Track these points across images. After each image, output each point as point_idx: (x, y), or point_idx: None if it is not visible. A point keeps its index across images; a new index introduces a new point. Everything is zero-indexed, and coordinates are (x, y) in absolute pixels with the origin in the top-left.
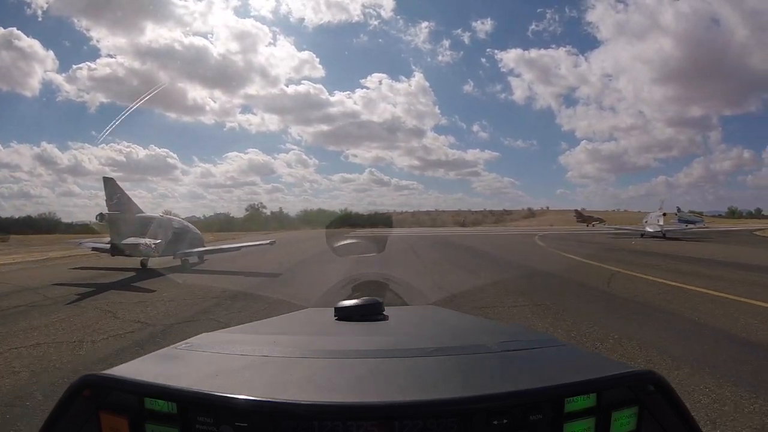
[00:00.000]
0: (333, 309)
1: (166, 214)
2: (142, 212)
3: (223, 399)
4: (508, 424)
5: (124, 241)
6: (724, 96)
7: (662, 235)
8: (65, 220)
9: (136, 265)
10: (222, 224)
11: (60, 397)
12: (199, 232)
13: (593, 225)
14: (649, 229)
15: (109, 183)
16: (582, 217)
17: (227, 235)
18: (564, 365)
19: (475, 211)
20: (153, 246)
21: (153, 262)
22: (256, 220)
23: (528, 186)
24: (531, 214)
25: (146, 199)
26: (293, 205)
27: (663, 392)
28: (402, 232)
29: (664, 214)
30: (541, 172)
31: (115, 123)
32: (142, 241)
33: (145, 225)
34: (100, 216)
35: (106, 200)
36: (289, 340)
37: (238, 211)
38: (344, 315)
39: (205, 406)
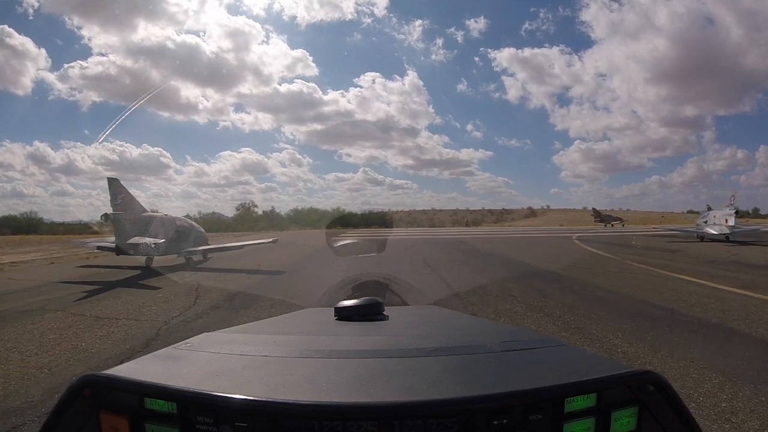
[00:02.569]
0: (333, 309)
1: (152, 212)
2: (146, 211)
3: (223, 399)
4: (508, 424)
5: (129, 241)
6: (718, 96)
7: (725, 238)
8: (58, 219)
9: (141, 263)
10: (208, 224)
11: (60, 397)
12: (202, 230)
13: (612, 225)
14: (711, 231)
15: (113, 183)
16: (600, 216)
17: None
18: (564, 365)
19: (474, 210)
20: (157, 245)
21: (157, 261)
22: (246, 219)
23: (522, 185)
24: (532, 213)
25: (140, 198)
26: (287, 205)
27: (663, 392)
28: (401, 233)
29: (737, 212)
30: (535, 171)
31: (115, 123)
32: (146, 240)
33: (149, 224)
34: (105, 216)
35: (110, 200)
36: (289, 340)
37: (231, 211)
38: (344, 315)
39: (205, 406)
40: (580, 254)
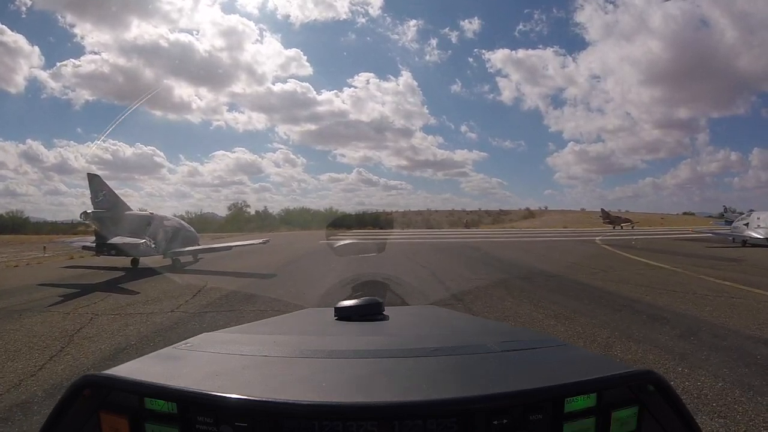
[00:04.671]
0: (333, 309)
1: (141, 210)
2: (131, 210)
3: (223, 399)
4: (508, 424)
5: (111, 240)
6: (711, 98)
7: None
8: (50, 218)
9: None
10: (198, 224)
11: (60, 397)
12: (192, 230)
13: (621, 227)
14: (756, 234)
15: (94, 180)
16: (609, 217)
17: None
18: (564, 365)
19: (470, 211)
20: (140, 245)
21: (143, 261)
22: (238, 219)
23: (516, 187)
24: (530, 214)
25: (133, 197)
26: (281, 205)
27: (663, 392)
28: (398, 236)
29: None
30: (529, 173)
31: (116, 122)
32: (128, 240)
33: (133, 223)
34: (85, 214)
35: (91, 197)
36: (289, 340)
37: (225, 211)
38: (344, 315)
39: (205, 406)
40: (635, 266)
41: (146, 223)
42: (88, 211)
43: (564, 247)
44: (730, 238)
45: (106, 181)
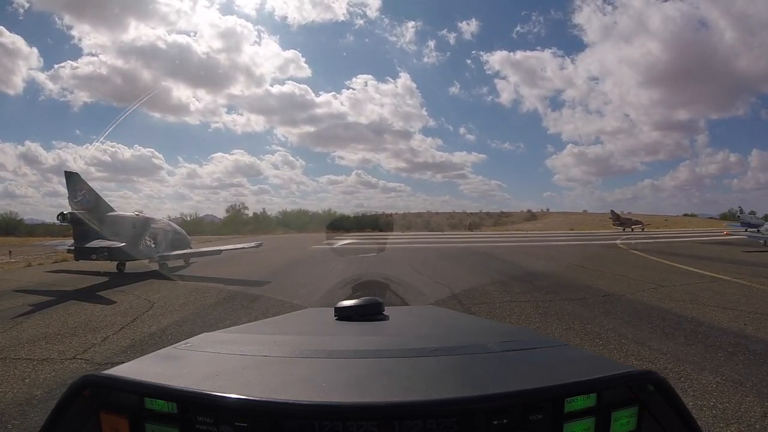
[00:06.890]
0: (333, 309)
1: (137, 213)
2: (113, 210)
3: (223, 399)
4: (508, 424)
5: (90, 244)
6: (710, 99)
7: None
8: (49, 220)
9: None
10: (192, 227)
11: (60, 397)
12: (183, 232)
13: (632, 229)
14: None
15: (72, 178)
16: (619, 219)
17: None
18: (564, 365)
19: (471, 213)
20: (122, 248)
21: (131, 266)
22: (235, 222)
23: (515, 189)
24: (532, 216)
25: (132, 199)
26: (280, 207)
27: (663, 392)
28: (399, 239)
29: None
30: (528, 175)
31: (115, 123)
32: (109, 243)
33: (116, 225)
34: (62, 216)
35: (69, 197)
36: (289, 340)
37: (224, 213)
38: (344, 315)
39: (205, 406)
40: (691, 278)
41: (131, 225)
42: (66, 212)
43: (591, 253)
44: (761, 241)
45: (106, 184)
